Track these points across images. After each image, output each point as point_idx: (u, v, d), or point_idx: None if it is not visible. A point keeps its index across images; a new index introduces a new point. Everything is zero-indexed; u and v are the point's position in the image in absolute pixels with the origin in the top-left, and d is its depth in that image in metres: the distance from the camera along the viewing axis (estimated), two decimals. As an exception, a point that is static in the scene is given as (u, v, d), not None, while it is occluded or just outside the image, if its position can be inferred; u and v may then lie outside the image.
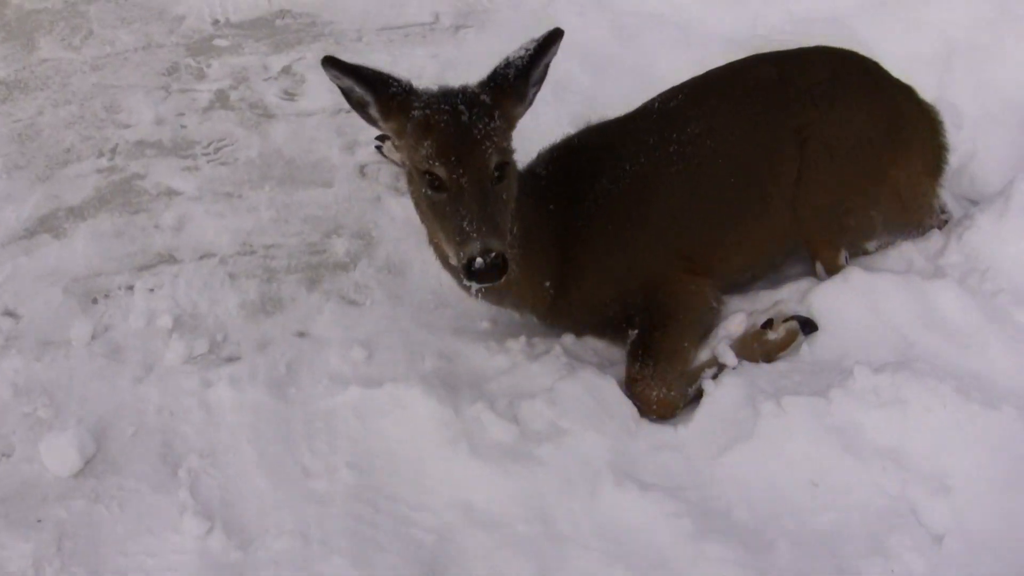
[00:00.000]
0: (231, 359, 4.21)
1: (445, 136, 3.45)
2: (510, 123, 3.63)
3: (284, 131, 5.36)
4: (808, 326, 4.13)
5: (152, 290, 4.50)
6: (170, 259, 4.67)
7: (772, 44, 5.43)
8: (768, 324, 4.13)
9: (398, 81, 3.62)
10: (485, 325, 4.37)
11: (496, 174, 3.48)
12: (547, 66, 3.67)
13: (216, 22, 6.10)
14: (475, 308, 4.43)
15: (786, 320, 4.13)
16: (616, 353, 4.22)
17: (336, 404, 3.93)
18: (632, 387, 3.89)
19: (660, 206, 4.05)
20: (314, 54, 5.82)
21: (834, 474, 3.62)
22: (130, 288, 4.51)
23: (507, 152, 3.55)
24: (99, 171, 5.15)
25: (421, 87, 3.67)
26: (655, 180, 4.03)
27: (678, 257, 4.12)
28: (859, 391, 3.77)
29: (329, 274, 4.64)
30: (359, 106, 3.69)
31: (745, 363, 4.03)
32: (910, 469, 3.60)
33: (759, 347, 4.08)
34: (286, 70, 5.76)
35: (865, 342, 4.12)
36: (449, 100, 3.52)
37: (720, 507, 3.59)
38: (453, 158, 3.42)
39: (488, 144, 3.45)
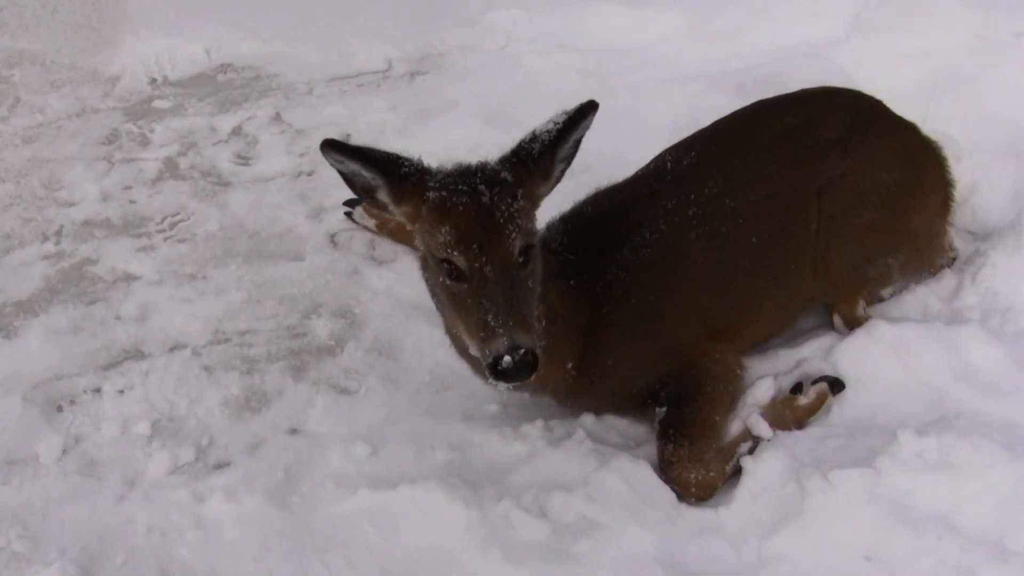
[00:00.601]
0: (221, 466, 3.85)
1: (465, 221, 3.16)
2: (534, 202, 3.35)
3: (243, 200, 4.98)
4: (836, 385, 3.94)
5: (122, 392, 4.12)
6: (137, 354, 4.29)
7: (754, 79, 5.29)
8: (798, 388, 3.92)
9: (409, 160, 3.33)
10: (494, 408, 4.05)
11: (521, 259, 3.19)
12: (578, 142, 3.39)
13: (153, 81, 5.69)
14: (482, 390, 4.12)
15: (815, 382, 3.92)
16: (640, 431, 3.95)
17: (346, 511, 3.59)
18: (668, 471, 3.62)
19: (684, 274, 3.79)
20: (264, 112, 5.46)
21: (889, 547, 3.38)
22: (97, 391, 4.12)
23: (532, 234, 3.26)
24: (45, 257, 4.74)
25: (434, 165, 3.38)
26: (677, 247, 3.77)
27: (703, 326, 3.87)
28: (905, 457, 3.56)
29: (314, 360, 4.29)
30: (364, 191, 3.39)
31: (779, 433, 3.80)
32: (966, 535, 3.38)
33: (790, 413, 3.86)
34: (236, 131, 5.38)
35: (895, 398, 3.94)
36: (468, 179, 3.23)
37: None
38: (475, 246, 3.13)
39: (512, 228, 3.16)
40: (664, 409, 3.72)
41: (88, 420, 4.01)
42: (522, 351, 3.04)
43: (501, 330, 3.06)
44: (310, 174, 5.12)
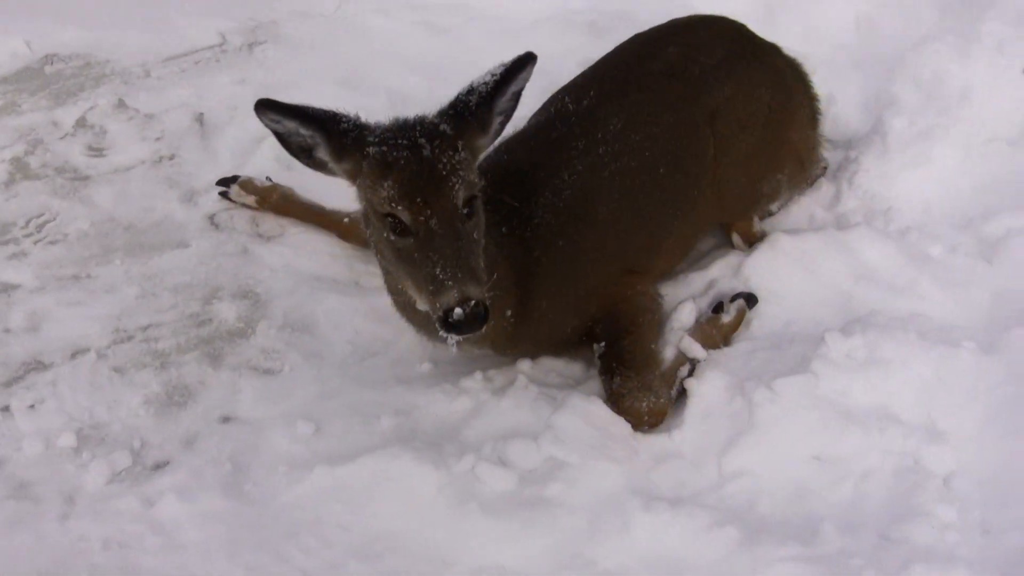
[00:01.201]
0: (160, 466, 3.68)
1: (407, 174, 3.14)
2: (474, 155, 3.35)
3: (108, 193, 4.72)
4: (750, 300, 4.12)
5: (33, 406, 3.86)
6: (38, 365, 4.03)
7: (604, 15, 5.39)
8: (719, 308, 4.08)
9: (347, 117, 3.28)
10: (427, 367, 4.04)
11: (465, 211, 3.20)
12: (517, 94, 3.39)
13: (-26, 81, 5.29)
14: (406, 350, 4.11)
15: (732, 300, 4.09)
16: (577, 370, 4.04)
17: (307, 491, 3.53)
18: (620, 403, 3.71)
19: (603, 212, 3.86)
20: (105, 100, 5.16)
21: (837, 445, 3.60)
22: (6, 409, 3.85)
23: (474, 185, 3.25)
24: (-93, 280, 4.38)
25: (372, 121, 3.33)
26: (594, 186, 3.83)
27: (623, 261, 3.96)
28: (835, 358, 3.79)
29: (228, 345, 4.15)
30: (302, 151, 3.33)
31: (710, 352, 3.96)
32: (903, 422, 3.64)
33: (717, 332, 4.02)
34: (81, 123, 5.06)
35: (805, 305, 4.18)
36: (407, 133, 3.21)
37: (741, 504, 3.50)
38: (418, 199, 3.13)
39: (455, 179, 3.16)
40: (602, 345, 3.79)
41: (5, 440, 3.74)
42: (472, 302, 3.06)
43: (450, 282, 3.07)
44: (171, 158, 4.90)
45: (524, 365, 3.97)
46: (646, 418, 3.70)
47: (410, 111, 4.91)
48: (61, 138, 5.00)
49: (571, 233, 3.76)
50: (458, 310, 3.05)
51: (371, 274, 4.37)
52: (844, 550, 3.30)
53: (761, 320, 4.12)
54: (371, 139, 3.24)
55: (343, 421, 3.79)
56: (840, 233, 4.31)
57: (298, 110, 3.22)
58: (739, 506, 3.49)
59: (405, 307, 3.62)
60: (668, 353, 3.95)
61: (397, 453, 3.53)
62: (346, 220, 4.46)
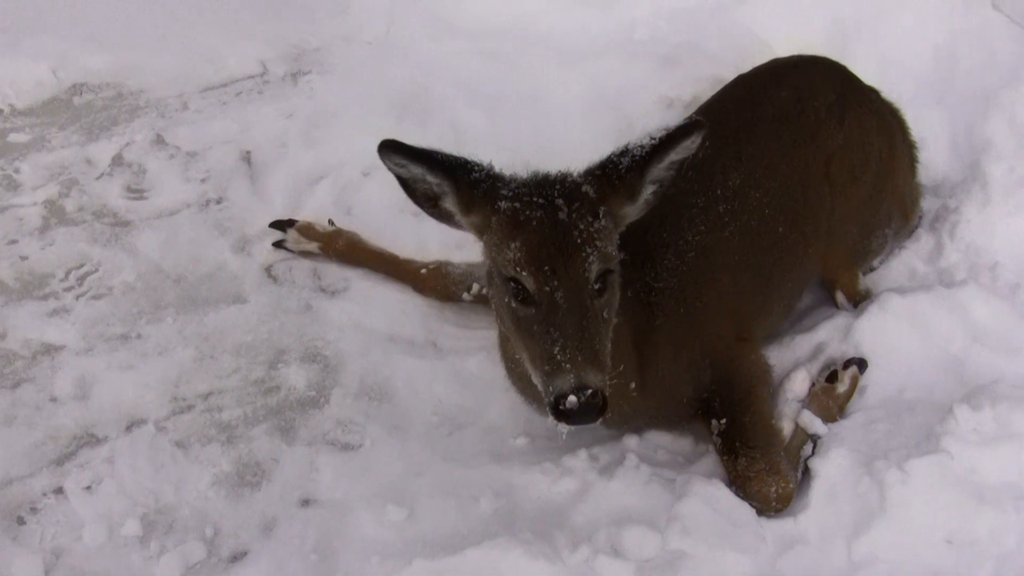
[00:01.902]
0: (238, 557, 3.37)
1: (538, 238, 2.82)
2: (616, 224, 3.02)
3: (152, 240, 4.34)
4: (862, 365, 3.84)
5: (89, 487, 3.52)
6: (91, 439, 3.67)
7: (674, 47, 5.09)
8: (833, 376, 3.79)
9: (479, 165, 2.97)
10: (522, 442, 3.73)
11: (597, 286, 2.86)
12: (678, 164, 3.04)
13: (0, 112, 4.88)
14: (498, 422, 3.80)
15: (846, 366, 3.81)
16: (685, 445, 3.75)
17: (405, 587, 3.20)
18: (747, 487, 3.41)
19: (723, 274, 3.57)
20: (142, 135, 4.77)
21: (971, 527, 3.32)
22: (59, 491, 3.51)
23: (612, 259, 2.92)
24: (-63, 341, 3.98)
25: (507, 172, 3.03)
26: (715, 247, 3.54)
27: (736, 325, 3.66)
28: (963, 433, 3.50)
29: (300, 416, 3.81)
30: (427, 199, 3.02)
31: (829, 425, 3.66)
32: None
33: (833, 403, 3.74)
34: (117, 161, 4.66)
35: (917, 369, 3.93)
36: (545, 191, 2.89)
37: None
38: (547, 267, 2.80)
39: (590, 250, 2.83)
40: (723, 422, 3.49)
41: (62, 528, 3.40)
42: (589, 391, 2.72)
43: (568, 365, 2.75)
44: (219, 201, 4.53)
45: (631, 442, 3.67)
46: (774, 503, 3.41)
47: (471, 146, 4.65)
48: (97, 178, 4.60)
49: (692, 299, 3.46)
50: (572, 398, 2.72)
51: (449, 335, 4.10)
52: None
53: (874, 387, 3.86)
54: (504, 192, 2.93)
55: (436, 503, 3.48)
56: (949, 292, 4.03)
57: (426, 155, 2.91)
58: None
59: (520, 378, 3.31)
60: (785, 427, 3.64)
61: (505, 545, 3.19)
62: (424, 272, 4.15)
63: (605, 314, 2.93)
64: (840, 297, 4.13)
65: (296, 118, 4.90)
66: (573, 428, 2.91)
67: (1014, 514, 3.34)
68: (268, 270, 4.30)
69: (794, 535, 3.37)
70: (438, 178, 2.93)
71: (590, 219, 2.85)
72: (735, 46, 4.79)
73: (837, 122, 3.83)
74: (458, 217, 3.04)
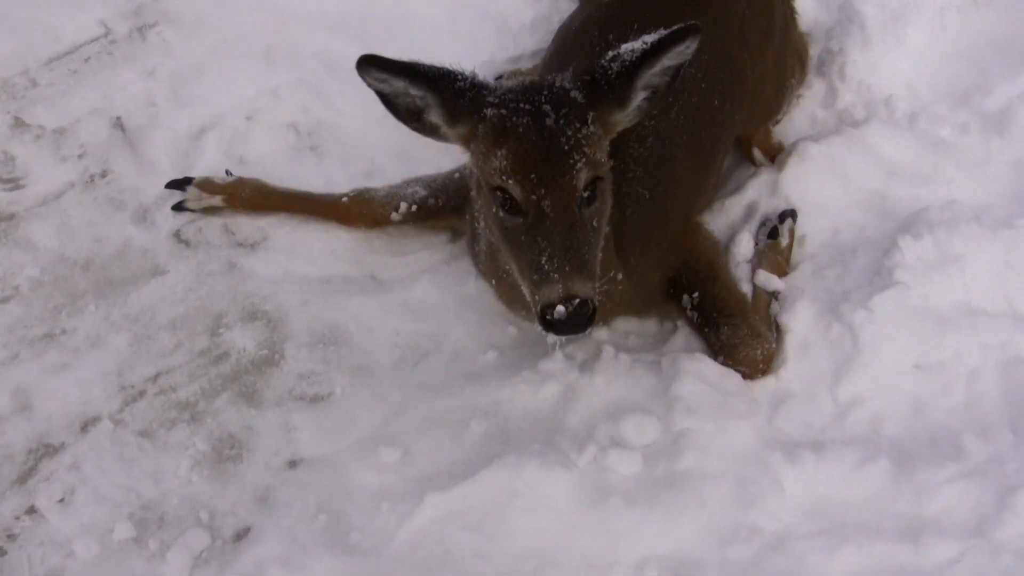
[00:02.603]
0: (242, 535, 3.25)
1: (524, 145, 2.74)
2: (607, 131, 2.92)
3: (45, 229, 4.04)
4: (793, 216, 3.93)
5: (63, 500, 3.33)
6: (48, 449, 3.46)
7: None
8: (774, 232, 3.86)
9: (463, 74, 2.85)
10: (492, 356, 3.68)
11: (586, 194, 2.81)
12: (673, 70, 2.91)
13: None
14: (462, 342, 3.75)
15: (782, 220, 3.89)
16: (650, 327, 3.77)
17: (424, 525, 3.18)
18: (735, 354, 3.47)
19: (677, 156, 3.56)
20: (-2, 120, 4.43)
21: (939, 351, 3.49)
22: (32, 511, 3.31)
23: (601, 165, 2.85)
24: None
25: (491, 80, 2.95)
26: (667, 129, 3.49)
27: (690, 205, 3.70)
28: (911, 263, 3.64)
29: (259, 378, 3.67)
30: (410, 114, 2.89)
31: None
32: (989, 314, 3.57)
33: (781, 258, 3.81)
34: (-23, 153, 4.33)
35: (846, 211, 4.05)
36: (531, 97, 2.80)
37: (867, 432, 3.37)
38: (533, 175, 2.73)
39: (578, 156, 2.76)
40: (695, 296, 3.53)
41: (49, 549, 3.22)
42: (577, 301, 2.70)
43: (556, 275, 2.71)
44: (104, 175, 4.25)
45: (602, 333, 3.68)
46: (761, 365, 3.48)
47: (351, 77, 4.49)
48: (-38, 176, 4.25)
49: (654, 183, 3.43)
50: (560, 308, 2.69)
51: (386, 265, 4.01)
52: (993, 457, 3.25)
53: (811, 235, 3.96)
54: (490, 100, 2.83)
55: (427, 437, 3.43)
56: (856, 132, 4.16)
57: (408, 67, 2.76)
58: (867, 434, 3.35)
59: (509, 289, 3.25)
60: (746, 291, 3.71)
61: (516, 461, 3.20)
62: (345, 200, 4.01)
63: (595, 223, 2.88)
64: (757, 154, 4.20)
65: (158, 76, 4.60)
66: (562, 338, 2.88)
67: (970, 331, 3.52)
68: (177, 235, 4.08)
69: (781, 392, 3.47)
70: (421, 90, 2.80)
71: (578, 125, 2.77)
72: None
73: None
74: (444, 129, 2.92)
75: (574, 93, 2.83)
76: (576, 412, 3.41)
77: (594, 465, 3.24)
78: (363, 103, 4.35)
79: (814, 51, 4.55)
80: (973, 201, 3.91)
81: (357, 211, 3.98)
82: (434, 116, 2.88)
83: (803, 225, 3.94)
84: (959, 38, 4.53)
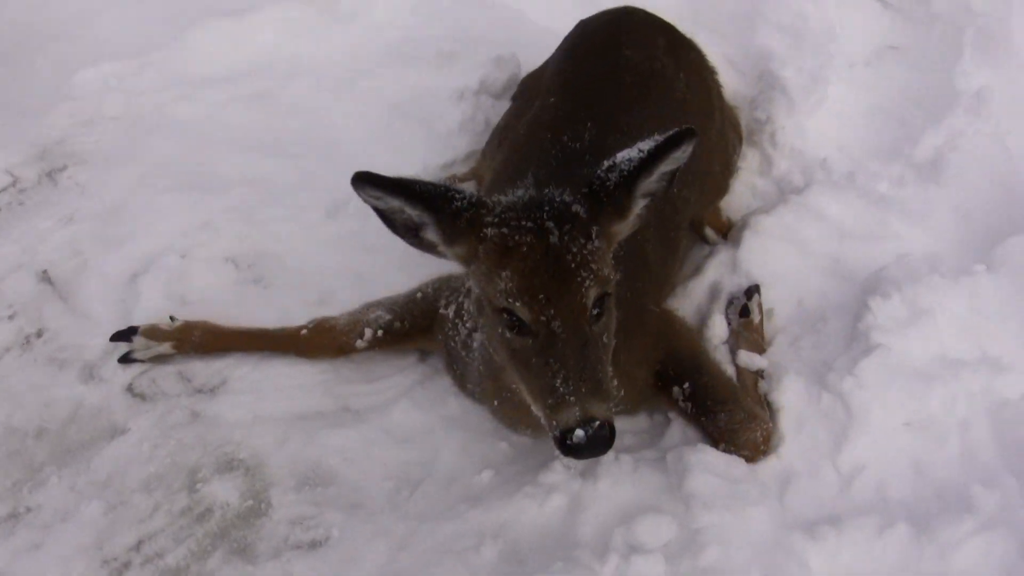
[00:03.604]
0: None
1: (530, 265, 2.68)
2: (609, 244, 2.87)
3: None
4: (758, 290, 3.95)
5: None
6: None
7: (428, 48, 4.99)
8: (745, 311, 3.86)
9: (460, 192, 2.77)
10: (488, 476, 3.55)
11: (595, 311, 2.75)
12: (669, 176, 2.86)
13: None
14: (453, 465, 3.62)
15: (749, 296, 3.90)
16: (642, 422, 3.73)
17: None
18: (736, 439, 3.42)
19: (648, 244, 3.54)
20: None
21: (927, 407, 3.49)
22: None
23: (607, 282, 2.78)
24: None
25: (490, 198, 2.85)
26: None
27: (661, 292, 3.68)
28: (884, 323, 3.67)
29: (249, 531, 3.48)
30: (407, 230, 2.80)
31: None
32: (965, 362, 3.59)
33: (756, 335, 3.82)
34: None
35: (805, 278, 4.07)
36: (533, 214, 2.73)
37: (873, 498, 3.34)
38: (541, 295, 2.67)
39: (585, 274, 2.70)
40: (687, 386, 3.49)
41: None
42: (596, 423, 2.64)
43: (572, 398, 2.65)
44: (39, 334, 4.03)
45: (592, 436, 3.59)
46: (762, 447, 3.45)
47: (285, 199, 4.38)
48: None
49: (633, 280, 3.37)
50: (579, 432, 2.62)
51: (359, 394, 3.88)
52: (1004, 505, 3.24)
53: (777, 307, 3.97)
54: (489, 219, 2.76)
55: (439, 570, 3.28)
56: (800, 198, 4.22)
57: (403, 186, 2.68)
58: (872, 501, 3.33)
59: (512, 410, 3.20)
60: (732, 374, 3.70)
61: (550, 581, 3.08)
62: (304, 332, 3.88)
63: (604, 339, 2.81)
64: (709, 232, 4.23)
65: (78, 220, 4.43)
66: (582, 463, 2.80)
67: (953, 382, 3.54)
68: (130, 389, 3.89)
69: (784, 471, 3.43)
70: (416, 209, 2.72)
71: (583, 241, 2.71)
72: (497, 19, 4.71)
73: (675, 66, 3.87)
74: (441, 247, 2.84)
75: (575, 207, 2.77)
76: (587, 522, 3.31)
77: (619, 572, 3.14)
78: (303, 227, 4.29)
79: (742, 122, 4.62)
80: (924, 252, 3.98)
81: (319, 342, 3.86)
82: (431, 234, 2.81)
83: (768, 298, 3.96)
84: (875, 93, 4.70)
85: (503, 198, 2.83)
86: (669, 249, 3.68)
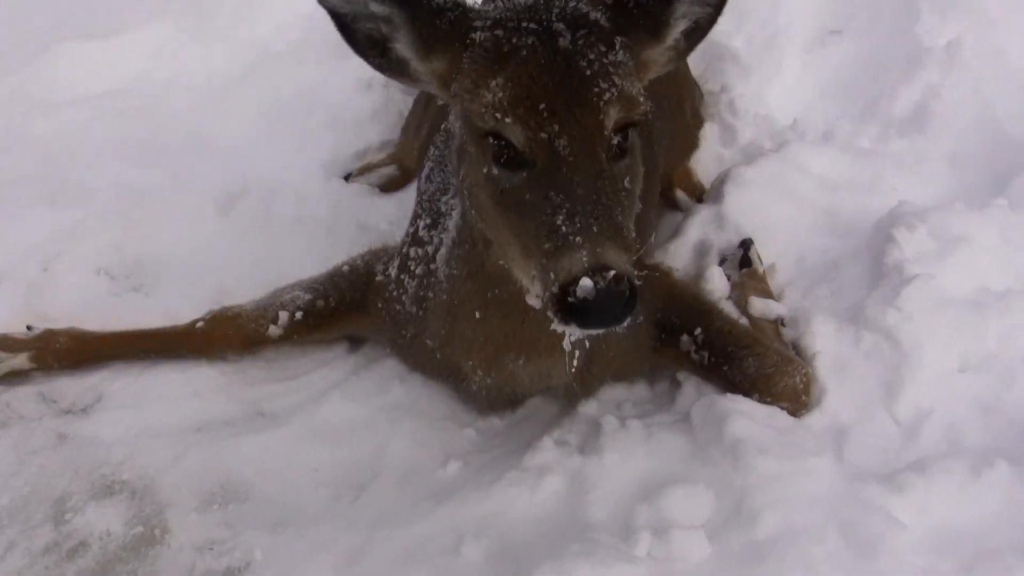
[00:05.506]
0: None
1: (529, 69, 1.98)
2: (639, 67, 2.17)
3: None
4: (752, 244, 3.35)
5: None
6: None
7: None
8: (746, 261, 3.24)
9: None
10: (454, 467, 2.79)
11: (616, 140, 2.03)
12: (712, 8, 2.23)
13: None
14: (404, 459, 2.85)
15: (748, 249, 3.30)
16: (642, 391, 3.00)
17: None
18: (772, 386, 2.72)
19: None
20: None
21: (982, 341, 2.86)
22: None
23: (636, 106, 2.06)
24: None
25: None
26: None
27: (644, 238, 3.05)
28: (914, 256, 3.06)
29: (142, 562, 2.58)
30: (372, 44, 2.13)
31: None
32: (1015, 292, 3.01)
33: (764, 284, 3.20)
34: None
35: (800, 226, 3.48)
36: (537, 16, 2.05)
37: (952, 447, 2.65)
38: (542, 106, 1.95)
39: (605, 85, 2.00)
40: (698, 333, 2.81)
41: None
42: (612, 273, 1.84)
43: (579, 238, 1.89)
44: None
45: (589, 409, 2.88)
46: (803, 397, 2.73)
47: (163, 203, 3.72)
48: None
49: None
50: (586, 281, 1.83)
51: (272, 395, 3.09)
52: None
53: (777, 258, 3.35)
54: (479, 22, 2.08)
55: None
56: (779, 154, 3.68)
57: None
58: (947, 451, 2.64)
59: (502, 338, 2.45)
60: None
61: (562, 569, 2.25)
62: (201, 325, 3.09)
63: (626, 182, 2.09)
64: (681, 195, 3.72)
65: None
66: (587, 333, 2.01)
67: (1007, 313, 2.93)
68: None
69: (833, 427, 2.72)
70: (387, 7, 2.03)
71: (603, 48, 2.03)
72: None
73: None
74: (414, 64, 2.15)
75: (595, 15, 2.09)
76: (596, 502, 2.55)
77: (650, 559, 2.35)
78: (188, 225, 3.57)
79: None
80: (924, 203, 3.39)
81: (221, 334, 3.06)
82: (402, 46, 2.11)
83: (766, 253, 3.32)
84: (832, 62, 4.38)
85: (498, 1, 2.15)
86: (646, 210, 3.00)
